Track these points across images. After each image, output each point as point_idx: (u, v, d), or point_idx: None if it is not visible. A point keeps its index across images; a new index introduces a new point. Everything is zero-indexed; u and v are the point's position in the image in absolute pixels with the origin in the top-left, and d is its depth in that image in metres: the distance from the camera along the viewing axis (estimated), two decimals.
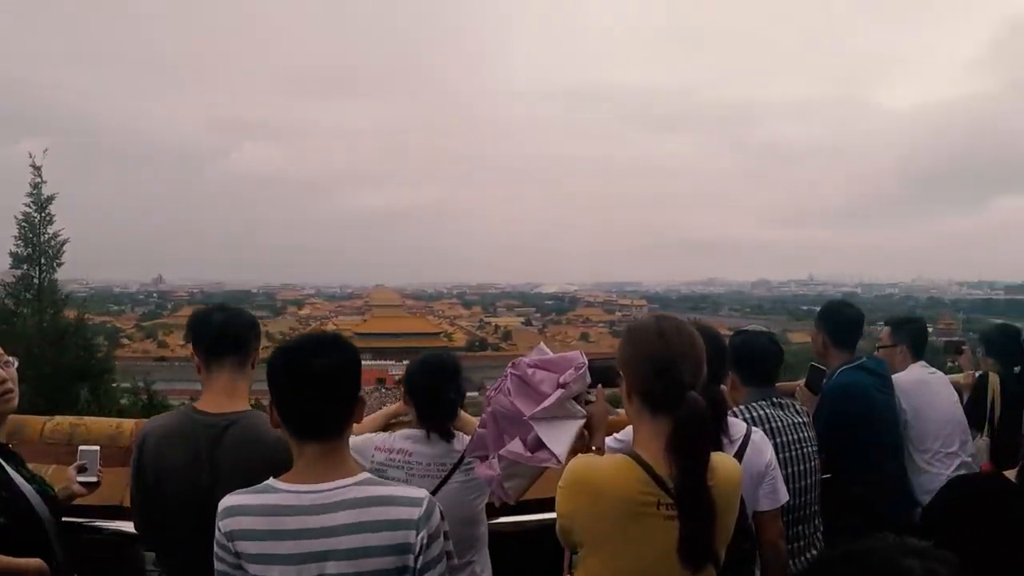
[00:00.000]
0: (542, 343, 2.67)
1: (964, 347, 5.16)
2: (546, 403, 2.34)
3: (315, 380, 1.95)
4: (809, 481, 3.14)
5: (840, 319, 3.99)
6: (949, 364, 6.50)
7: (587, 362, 2.46)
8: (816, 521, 3.20)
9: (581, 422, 2.41)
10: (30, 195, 14.27)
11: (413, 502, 1.96)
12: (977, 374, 4.73)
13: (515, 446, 2.37)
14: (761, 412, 3.10)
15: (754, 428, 2.83)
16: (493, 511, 2.94)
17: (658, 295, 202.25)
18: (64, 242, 14.61)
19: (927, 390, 4.13)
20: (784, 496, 2.80)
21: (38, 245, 14.30)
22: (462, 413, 3.05)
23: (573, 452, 2.30)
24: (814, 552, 3.11)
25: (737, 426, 2.76)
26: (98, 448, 2.99)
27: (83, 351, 14.08)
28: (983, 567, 1.90)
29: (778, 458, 2.89)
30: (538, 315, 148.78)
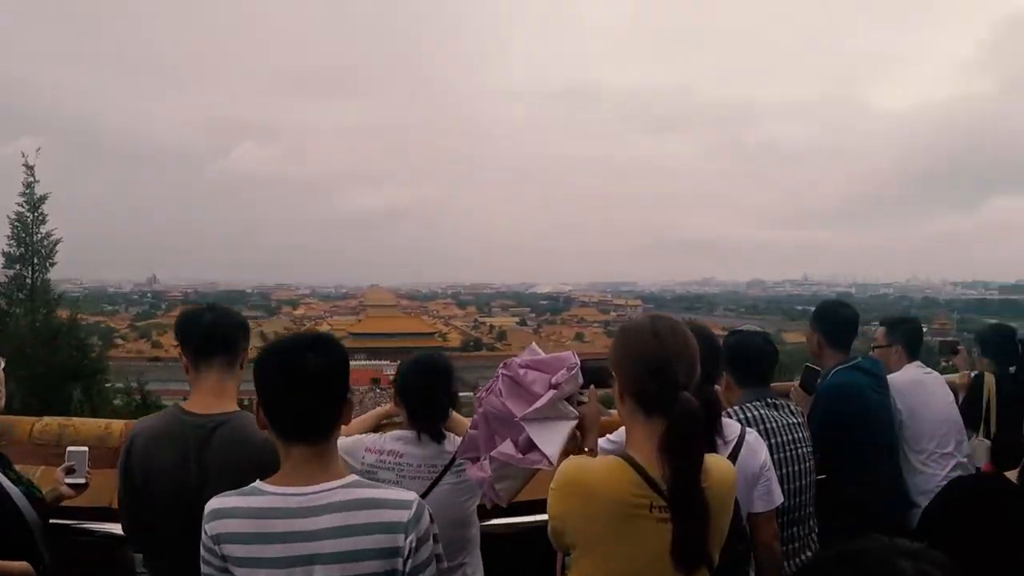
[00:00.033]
0: (534, 343, 2.64)
1: (960, 347, 5.15)
2: (538, 404, 2.31)
3: (303, 381, 1.92)
4: (804, 482, 3.13)
5: (835, 319, 3.97)
6: (943, 364, 6.49)
7: (579, 362, 2.43)
8: (811, 522, 3.19)
9: (573, 423, 2.39)
10: (23, 194, 14.24)
11: (402, 505, 1.93)
12: (973, 374, 4.71)
13: (506, 447, 2.34)
14: (756, 413, 3.08)
15: (748, 429, 2.82)
16: (485, 513, 2.91)
17: (653, 295, 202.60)
18: (57, 242, 14.58)
19: (922, 390, 4.12)
20: (779, 497, 2.78)
21: (31, 245, 14.27)
22: (454, 414, 3.02)
23: (566, 453, 2.27)
24: (809, 554, 3.10)
25: (731, 427, 2.74)
26: (86, 449, 2.97)
27: (76, 351, 14.05)
28: (984, 568, 1.89)
29: (773, 459, 2.87)
30: (533, 315, 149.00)
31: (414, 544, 1.89)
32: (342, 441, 2.86)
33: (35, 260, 14.20)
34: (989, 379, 4.50)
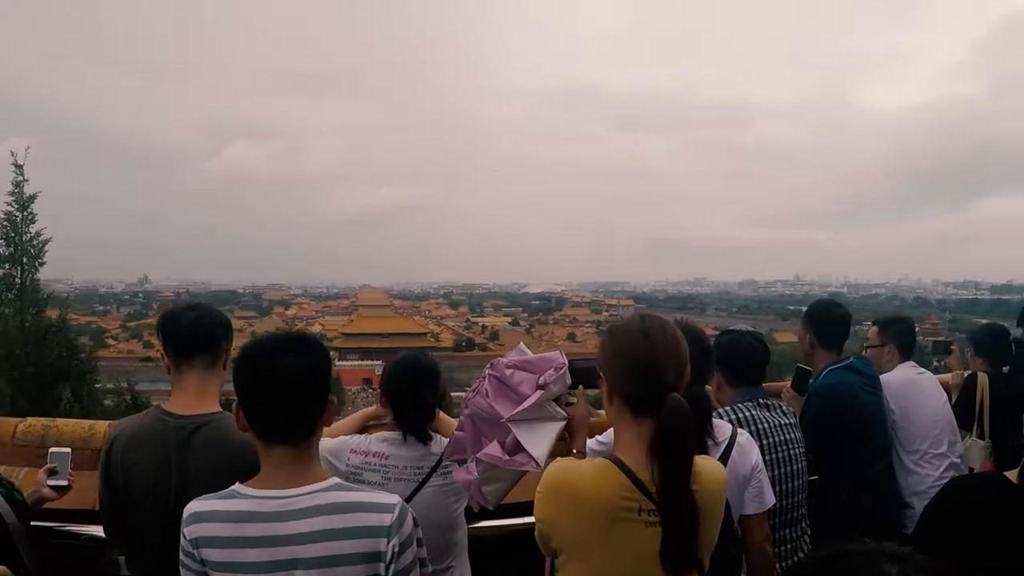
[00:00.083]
0: (521, 343, 2.61)
1: (953, 347, 5.14)
2: (525, 405, 2.29)
3: (282, 382, 1.87)
4: (796, 483, 3.11)
5: (827, 318, 3.94)
6: (935, 364, 6.48)
7: (567, 362, 2.40)
8: (803, 524, 3.16)
9: (561, 424, 2.36)
10: (12, 194, 14.19)
11: (384, 508, 1.88)
12: (966, 374, 4.69)
13: (493, 449, 2.31)
14: (747, 413, 3.06)
15: (740, 430, 2.79)
16: (472, 515, 2.87)
17: (645, 295, 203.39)
18: (46, 241, 14.52)
19: (915, 390, 4.10)
20: (771, 499, 2.75)
21: (20, 244, 14.21)
22: (441, 414, 2.98)
23: (554, 455, 2.23)
24: (801, 556, 3.07)
25: (722, 428, 2.71)
26: (69, 450, 2.95)
27: (66, 351, 13.99)
28: (984, 568, 1.86)
29: (765, 460, 2.85)
30: (525, 315, 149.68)
31: (397, 548, 1.85)
32: (328, 443, 2.83)
33: (24, 260, 14.14)
34: (982, 379, 4.49)
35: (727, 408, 3.08)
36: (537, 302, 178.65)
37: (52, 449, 2.95)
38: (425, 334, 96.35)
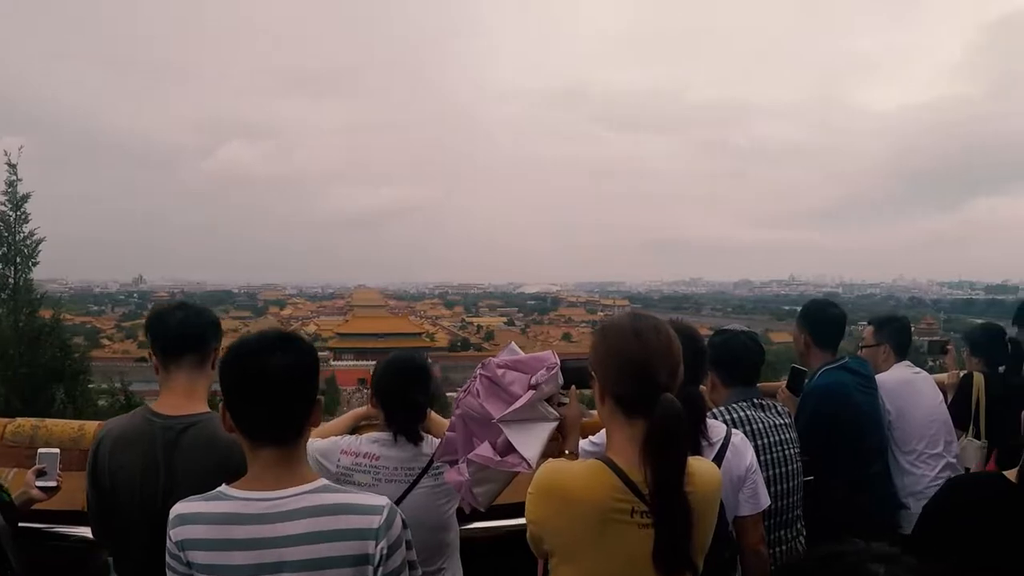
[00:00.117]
0: (513, 343, 2.58)
1: (949, 346, 5.13)
2: (516, 405, 2.27)
3: (272, 381, 1.85)
4: (791, 484, 3.09)
5: (822, 318, 3.93)
6: (930, 364, 6.47)
7: (559, 362, 2.38)
8: (799, 525, 3.15)
9: (553, 425, 2.34)
10: (5, 193, 14.17)
11: (372, 510, 1.86)
12: (962, 373, 4.69)
13: (484, 450, 2.29)
14: (742, 413, 3.04)
15: (734, 430, 2.78)
16: (464, 516, 2.85)
17: (641, 295, 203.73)
18: (40, 241, 14.49)
19: (911, 390, 4.09)
20: (766, 500, 2.73)
21: (13, 244, 14.19)
22: (433, 415, 2.96)
23: (547, 456, 2.21)
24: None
25: (717, 428, 2.69)
26: (58, 451, 2.94)
27: (59, 351, 13.98)
28: (984, 568, 1.87)
29: (760, 460, 2.83)
30: (520, 315, 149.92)
31: (385, 551, 1.83)
32: (318, 443, 2.81)
33: (17, 260, 14.12)
34: (978, 378, 4.47)
35: (721, 408, 3.06)
36: (532, 302, 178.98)
37: (41, 450, 2.93)
38: (420, 334, 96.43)
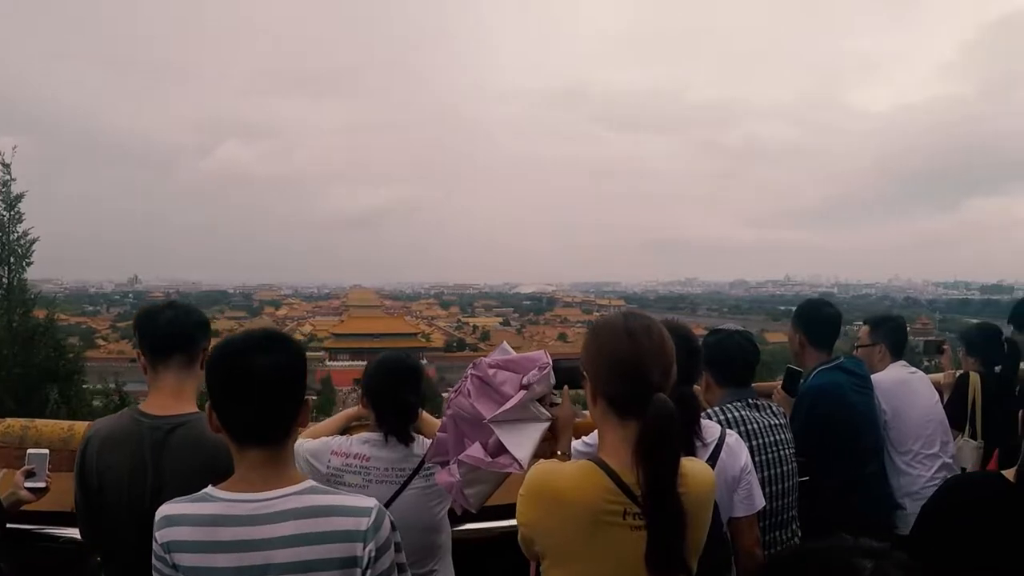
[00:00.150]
0: (505, 342, 2.57)
1: (945, 346, 5.12)
2: (508, 405, 2.24)
3: (259, 381, 1.82)
4: (787, 484, 3.07)
5: (818, 318, 3.91)
6: (926, 364, 6.47)
7: (552, 362, 2.36)
8: (794, 526, 3.13)
9: (545, 425, 2.32)
10: None
11: (360, 512, 1.83)
12: (958, 373, 4.68)
13: (475, 451, 2.27)
14: (736, 414, 3.02)
15: (729, 431, 2.76)
16: (456, 518, 2.83)
17: (636, 295, 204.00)
18: (34, 241, 14.48)
19: (907, 390, 4.08)
20: (760, 501, 2.72)
21: (7, 244, 14.17)
22: (425, 415, 2.95)
23: (539, 457, 2.19)
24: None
25: (711, 428, 2.67)
26: (47, 452, 2.93)
27: (53, 351, 13.96)
28: (983, 567, 1.89)
29: (755, 461, 2.81)
30: (516, 315, 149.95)
31: (373, 553, 1.80)
32: (308, 444, 2.80)
33: (11, 260, 14.10)
34: (975, 378, 4.47)
35: (716, 408, 3.04)
36: (528, 302, 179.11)
37: (30, 451, 2.93)
38: (416, 334, 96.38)
